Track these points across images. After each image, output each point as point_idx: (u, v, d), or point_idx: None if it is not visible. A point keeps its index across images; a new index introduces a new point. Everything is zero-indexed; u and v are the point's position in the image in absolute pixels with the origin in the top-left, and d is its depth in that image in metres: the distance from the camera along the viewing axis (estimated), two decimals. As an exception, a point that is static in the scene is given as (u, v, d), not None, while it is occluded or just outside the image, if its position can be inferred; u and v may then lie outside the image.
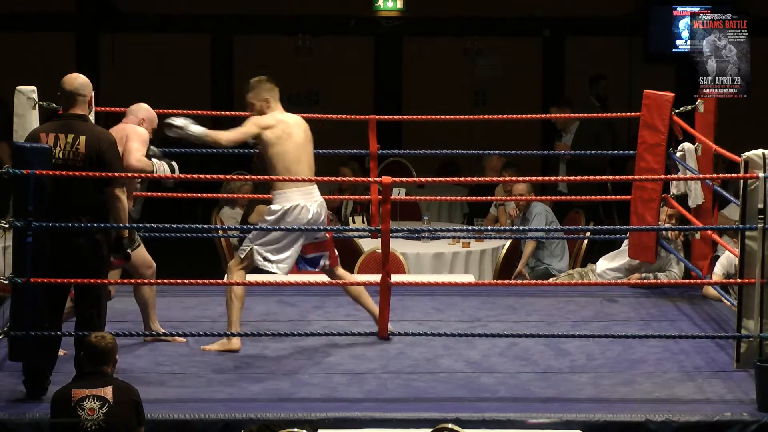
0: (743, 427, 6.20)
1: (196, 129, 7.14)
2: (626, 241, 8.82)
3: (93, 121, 6.85)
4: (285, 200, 7.19)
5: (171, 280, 6.99)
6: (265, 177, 7.34)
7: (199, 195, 9.60)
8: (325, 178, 7.07)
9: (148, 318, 7.40)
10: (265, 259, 7.20)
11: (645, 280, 8.73)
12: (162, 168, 7.09)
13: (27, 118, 7.47)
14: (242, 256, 7.23)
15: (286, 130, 7.24)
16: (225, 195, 11.01)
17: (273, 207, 7.20)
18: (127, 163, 6.89)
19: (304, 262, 7.40)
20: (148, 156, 7.06)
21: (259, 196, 10.32)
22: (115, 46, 15.18)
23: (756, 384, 6.39)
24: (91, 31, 15.23)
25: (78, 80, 6.64)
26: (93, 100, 6.73)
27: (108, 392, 5.65)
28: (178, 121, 7.12)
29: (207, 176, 7.01)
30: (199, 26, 15.25)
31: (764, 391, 6.31)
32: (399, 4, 15.28)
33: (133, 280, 7.20)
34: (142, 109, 7.31)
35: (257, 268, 7.26)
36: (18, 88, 7.57)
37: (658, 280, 8.70)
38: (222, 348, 7.22)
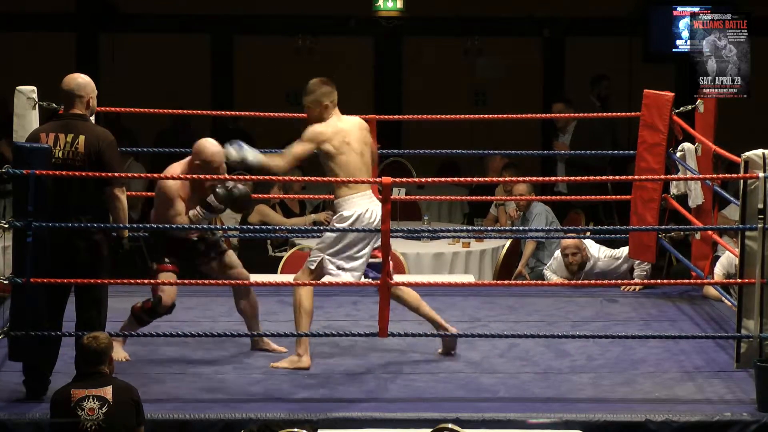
0: (743, 427, 6.20)
1: (252, 158, 6.91)
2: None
3: (93, 122, 6.83)
4: (354, 206, 6.95)
5: (171, 281, 6.97)
6: (265, 177, 7.28)
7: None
8: (325, 179, 7.05)
9: (251, 329, 7.31)
10: (339, 267, 6.98)
11: (645, 280, 8.74)
12: (200, 219, 7.05)
13: (27, 118, 7.47)
14: (312, 267, 7.00)
15: (344, 138, 6.96)
16: (225, 195, 10.98)
17: (345, 213, 6.95)
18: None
19: (368, 266, 7.18)
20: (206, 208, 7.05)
21: (259, 195, 10.33)
22: (115, 46, 15.18)
23: (756, 384, 6.39)
24: (91, 31, 15.22)
25: (76, 80, 6.62)
26: (93, 101, 6.66)
27: (108, 392, 5.65)
28: (233, 153, 6.92)
29: (207, 176, 7.00)
30: (199, 26, 15.25)
31: (764, 391, 6.31)
32: (399, 4, 15.27)
33: (122, 281, 7.18)
34: (201, 151, 7.09)
35: (256, 269, 7.24)
36: (18, 88, 7.57)
37: (657, 280, 8.70)
38: (292, 366, 7.00)
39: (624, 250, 8.80)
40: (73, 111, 6.58)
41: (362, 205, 6.97)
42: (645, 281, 8.71)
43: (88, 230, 6.49)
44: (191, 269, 7.18)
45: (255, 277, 7.38)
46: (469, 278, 9.38)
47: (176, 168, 7.15)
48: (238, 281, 7.20)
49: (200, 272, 7.23)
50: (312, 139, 6.97)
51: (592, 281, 8.77)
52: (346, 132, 7.01)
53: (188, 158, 7.18)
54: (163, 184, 7.09)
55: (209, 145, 7.11)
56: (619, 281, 8.82)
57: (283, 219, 10.50)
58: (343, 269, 7.00)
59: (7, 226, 6.44)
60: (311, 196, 11.12)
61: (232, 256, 7.31)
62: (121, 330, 7.05)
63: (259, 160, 6.93)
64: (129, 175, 6.89)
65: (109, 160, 6.51)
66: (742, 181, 6.65)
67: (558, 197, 11.14)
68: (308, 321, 7.03)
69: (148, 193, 8.52)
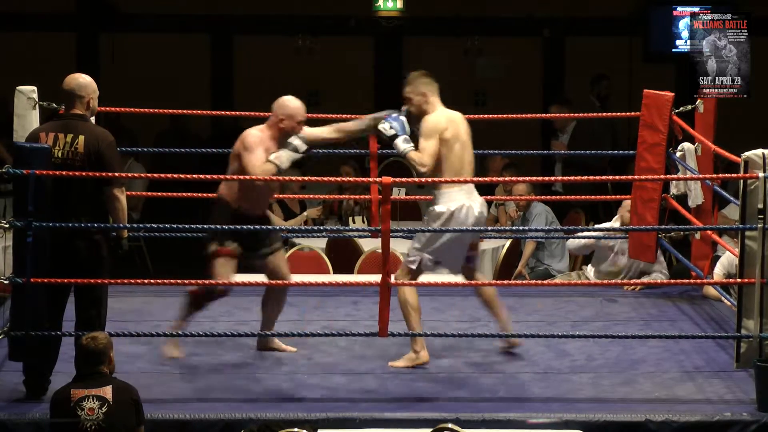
0: (743, 427, 6.20)
1: (403, 146, 6.93)
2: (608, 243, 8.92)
3: (93, 122, 6.83)
4: (449, 201, 6.97)
5: (171, 280, 6.98)
6: (254, 177, 7.24)
7: (199, 195, 9.58)
8: (325, 178, 7.06)
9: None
10: (436, 262, 7.01)
11: (645, 280, 8.74)
12: (284, 159, 6.97)
13: (27, 118, 7.47)
14: (414, 267, 7.00)
15: (455, 130, 7.06)
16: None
17: (437, 209, 6.98)
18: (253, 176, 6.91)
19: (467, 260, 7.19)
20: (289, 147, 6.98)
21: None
22: (115, 46, 15.18)
23: (756, 384, 6.39)
24: (91, 31, 15.22)
25: (77, 80, 6.62)
26: (94, 101, 6.65)
27: (107, 392, 5.66)
28: (388, 130, 6.95)
29: (207, 176, 7.00)
30: (199, 26, 15.25)
31: (764, 391, 6.31)
32: (399, 4, 15.26)
33: (122, 280, 7.18)
34: (280, 106, 7.14)
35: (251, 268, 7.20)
36: (18, 88, 7.58)
37: (657, 281, 8.70)
38: (412, 363, 7.01)
39: None
40: (74, 111, 6.58)
41: (458, 201, 6.98)
42: (645, 281, 8.71)
43: (88, 230, 6.49)
44: (251, 255, 7.14)
45: (256, 278, 7.36)
46: (469, 278, 9.36)
47: (253, 131, 7.08)
48: (237, 282, 7.19)
49: (251, 265, 7.19)
50: (433, 130, 7.00)
51: (592, 281, 8.78)
52: (455, 123, 7.11)
53: (269, 120, 7.11)
54: (246, 135, 7.02)
55: (291, 100, 7.14)
56: (619, 281, 8.82)
57: (279, 221, 10.49)
58: (439, 264, 7.03)
59: (7, 226, 6.45)
60: (311, 196, 11.11)
61: (284, 258, 7.29)
62: (178, 322, 7.06)
63: (407, 150, 6.92)
64: (129, 175, 6.90)
65: (108, 160, 6.51)
66: (742, 181, 6.65)
67: (558, 197, 11.14)
68: (418, 317, 7.00)
69: (149, 193, 8.52)
